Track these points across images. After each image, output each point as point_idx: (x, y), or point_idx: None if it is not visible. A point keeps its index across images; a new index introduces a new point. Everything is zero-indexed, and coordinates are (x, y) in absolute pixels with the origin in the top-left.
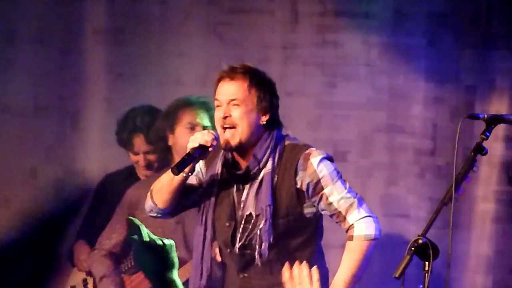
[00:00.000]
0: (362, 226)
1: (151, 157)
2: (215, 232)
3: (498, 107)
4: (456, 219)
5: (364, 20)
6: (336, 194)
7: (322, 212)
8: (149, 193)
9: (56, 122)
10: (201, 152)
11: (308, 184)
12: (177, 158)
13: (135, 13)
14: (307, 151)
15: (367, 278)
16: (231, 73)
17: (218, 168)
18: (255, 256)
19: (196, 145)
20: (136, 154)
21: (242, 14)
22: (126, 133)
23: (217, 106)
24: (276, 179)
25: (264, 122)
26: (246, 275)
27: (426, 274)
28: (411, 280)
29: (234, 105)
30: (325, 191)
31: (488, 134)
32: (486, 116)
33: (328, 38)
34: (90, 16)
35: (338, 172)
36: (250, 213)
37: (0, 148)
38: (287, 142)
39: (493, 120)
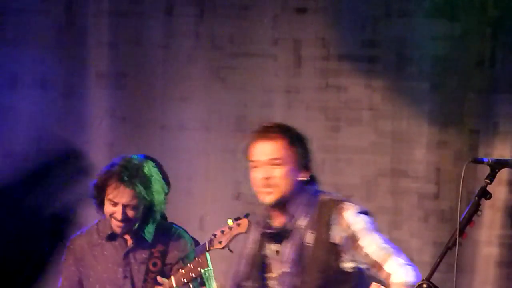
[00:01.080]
0: (401, 273)
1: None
2: None
3: (501, 151)
4: (460, 263)
5: (367, 64)
6: (372, 245)
7: (361, 266)
8: None
9: (61, 167)
10: None
11: (344, 238)
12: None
13: (138, 57)
14: (340, 205)
15: None
16: (267, 133)
17: (251, 238)
18: None
19: None
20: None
21: (245, 58)
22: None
23: (254, 167)
24: (311, 235)
25: (304, 179)
26: None
27: None
28: None
29: (275, 164)
30: (361, 242)
31: (492, 178)
32: (490, 160)
33: (331, 82)
34: (93, 60)
35: (373, 225)
36: (286, 271)
37: (4, 194)
38: (321, 197)
39: (497, 165)
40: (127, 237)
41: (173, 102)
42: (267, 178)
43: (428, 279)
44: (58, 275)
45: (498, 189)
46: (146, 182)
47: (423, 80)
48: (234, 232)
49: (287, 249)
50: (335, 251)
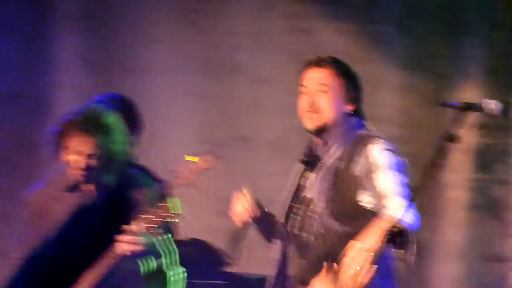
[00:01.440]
0: (396, 210)
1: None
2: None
3: (469, 94)
4: (428, 206)
5: (337, 7)
6: (384, 179)
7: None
8: None
9: (26, 109)
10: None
11: (363, 170)
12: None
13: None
14: (371, 140)
15: None
16: (320, 62)
17: (296, 168)
18: (311, 240)
19: (240, 224)
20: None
21: (213, 0)
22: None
23: (302, 92)
24: (338, 166)
25: (348, 111)
26: (304, 260)
27: (399, 262)
28: None
29: (322, 91)
30: (374, 175)
31: (461, 122)
32: (458, 104)
33: (300, 24)
34: (61, 3)
35: (397, 165)
36: (310, 197)
37: None
38: (360, 132)
39: (466, 108)
40: (89, 187)
41: (141, 45)
42: (312, 103)
43: (397, 221)
44: (17, 231)
45: (467, 133)
46: (107, 132)
47: (392, 24)
48: (198, 168)
49: (316, 177)
50: (355, 183)
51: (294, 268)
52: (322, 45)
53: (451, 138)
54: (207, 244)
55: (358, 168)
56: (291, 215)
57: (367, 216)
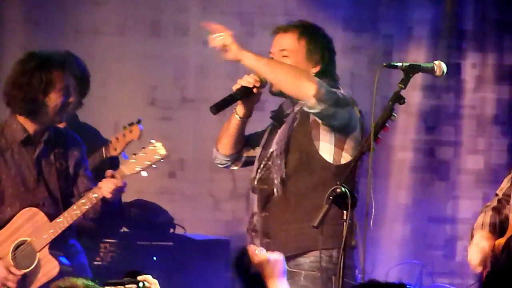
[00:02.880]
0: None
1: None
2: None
3: (415, 56)
4: (375, 168)
5: None
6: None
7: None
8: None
9: None
10: (243, 93)
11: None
12: (41, 118)
13: None
14: None
15: None
16: (285, 26)
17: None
18: (273, 191)
19: (239, 86)
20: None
21: None
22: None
23: (271, 57)
24: (297, 117)
25: (313, 73)
26: (267, 213)
27: (345, 223)
28: None
29: (284, 56)
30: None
31: (406, 83)
32: (404, 65)
33: None
34: None
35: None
36: (271, 150)
37: None
38: None
39: (411, 69)
40: (38, 139)
41: (87, 6)
42: None
43: (342, 183)
44: None
45: (411, 94)
46: None
47: None
48: (128, 138)
49: (280, 131)
50: (309, 130)
51: (259, 222)
52: (269, 8)
53: (396, 99)
54: (154, 205)
55: (312, 116)
56: (257, 169)
57: (325, 169)
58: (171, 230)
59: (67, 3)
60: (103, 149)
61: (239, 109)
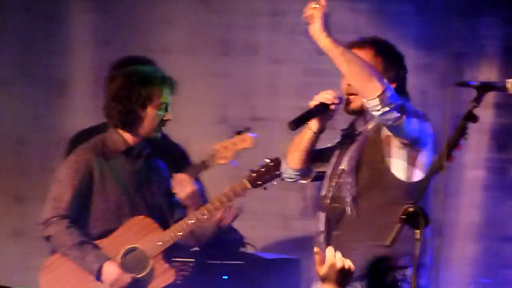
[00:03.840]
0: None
1: None
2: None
3: (487, 74)
4: (446, 186)
5: None
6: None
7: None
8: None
9: (43, 90)
10: (321, 109)
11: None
12: (139, 132)
13: None
14: None
15: None
16: (360, 42)
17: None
18: (344, 210)
19: (317, 102)
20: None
21: None
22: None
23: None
24: (370, 134)
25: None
26: (339, 232)
27: (417, 243)
28: None
29: None
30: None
31: (479, 101)
32: (477, 83)
33: None
34: None
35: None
36: (343, 168)
37: None
38: None
39: (484, 87)
40: (137, 152)
41: (157, 25)
42: (349, 85)
43: (414, 202)
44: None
45: (484, 112)
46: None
47: (408, 3)
48: (239, 146)
49: (351, 148)
50: (381, 148)
51: (331, 240)
52: (339, 25)
53: (469, 118)
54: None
55: (384, 133)
56: (328, 187)
57: (397, 187)
58: (242, 249)
59: (137, 22)
60: (209, 157)
61: (314, 124)
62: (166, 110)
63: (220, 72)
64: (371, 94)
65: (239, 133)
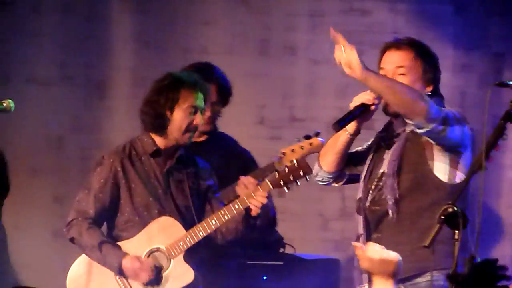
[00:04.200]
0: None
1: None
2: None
3: None
4: (485, 187)
5: None
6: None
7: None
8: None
9: (82, 91)
10: (362, 110)
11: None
12: (168, 136)
13: None
14: None
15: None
16: (398, 43)
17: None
18: (386, 213)
19: (358, 103)
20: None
21: None
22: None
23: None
24: (410, 136)
25: (428, 93)
26: (379, 235)
27: (456, 243)
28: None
29: (400, 74)
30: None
31: None
32: None
33: (356, 5)
34: None
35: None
36: (383, 170)
37: (27, 117)
38: None
39: None
40: (168, 155)
41: (196, 25)
42: None
43: (453, 203)
44: (82, 190)
45: None
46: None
47: (447, 3)
48: (306, 151)
49: (391, 151)
50: (423, 151)
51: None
52: (378, 26)
53: (507, 118)
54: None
55: (423, 136)
56: (366, 190)
57: (439, 188)
58: (281, 250)
59: (176, 23)
60: (275, 162)
61: (350, 126)
62: (195, 114)
63: (259, 72)
64: (417, 116)
65: (307, 137)
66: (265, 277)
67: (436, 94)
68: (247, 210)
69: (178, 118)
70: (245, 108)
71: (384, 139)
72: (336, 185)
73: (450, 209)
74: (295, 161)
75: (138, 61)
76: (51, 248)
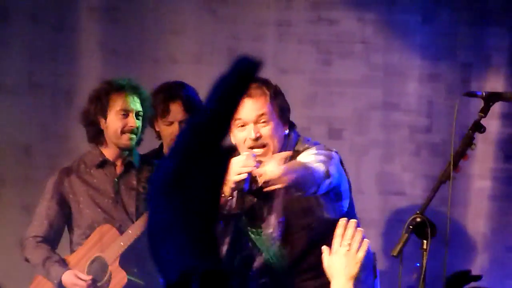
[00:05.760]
0: (308, 158)
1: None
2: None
3: (494, 84)
4: (453, 197)
5: None
6: (305, 154)
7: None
8: None
9: (50, 99)
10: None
11: None
12: (109, 143)
13: None
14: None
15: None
16: (249, 90)
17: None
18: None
19: (244, 176)
20: (170, 124)
21: None
22: (160, 101)
23: (240, 126)
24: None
25: (287, 131)
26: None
27: (424, 252)
28: (409, 258)
29: (263, 122)
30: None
31: (486, 112)
32: (484, 93)
33: (324, 15)
34: None
35: (324, 156)
36: (271, 232)
37: None
38: (297, 147)
39: (491, 98)
40: (117, 163)
41: (165, 35)
42: (256, 139)
43: (421, 212)
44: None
45: (491, 123)
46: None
47: (415, 13)
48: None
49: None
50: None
51: None
52: (346, 35)
53: (476, 128)
54: None
55: None
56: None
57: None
58: None
59: (144, 32)
60: None
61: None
62: (127, 117)
63: None
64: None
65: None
66: None
67: (291, 127)
68: None
69: (111, 122)
70: None
71: (254, 194)
72: None
73: (418, 219)
74: None
75: (106, 70)
76: (17, 258)
